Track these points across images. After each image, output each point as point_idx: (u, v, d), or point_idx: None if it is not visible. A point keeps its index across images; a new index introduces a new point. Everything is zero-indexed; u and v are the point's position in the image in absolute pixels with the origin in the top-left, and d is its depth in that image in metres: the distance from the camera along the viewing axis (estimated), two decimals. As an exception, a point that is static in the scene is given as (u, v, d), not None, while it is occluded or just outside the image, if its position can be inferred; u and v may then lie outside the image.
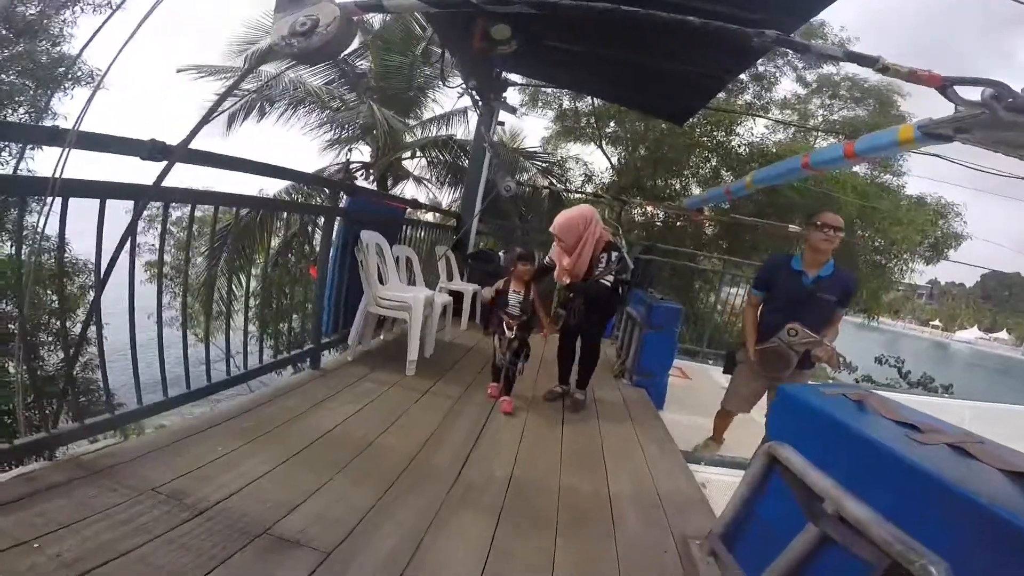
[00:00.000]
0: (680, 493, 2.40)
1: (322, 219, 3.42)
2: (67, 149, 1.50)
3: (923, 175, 13.81)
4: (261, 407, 2.46)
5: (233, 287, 6.40)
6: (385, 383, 3.09)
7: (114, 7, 7.88)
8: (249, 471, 1.87)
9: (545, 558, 1.70)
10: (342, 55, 9.49)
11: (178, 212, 4.35)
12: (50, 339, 6.84)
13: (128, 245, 1.82)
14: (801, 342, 2.91)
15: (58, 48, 7.89)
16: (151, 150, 1.72)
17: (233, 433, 2.14)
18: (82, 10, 7.91)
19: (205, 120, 1.74)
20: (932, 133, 2.26)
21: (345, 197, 3.36)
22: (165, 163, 1.73)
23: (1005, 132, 1.66)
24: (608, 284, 3.14)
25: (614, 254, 3.17)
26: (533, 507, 2.03)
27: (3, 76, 7.13)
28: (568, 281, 3.25)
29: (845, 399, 1.48)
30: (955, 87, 1.51)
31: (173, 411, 2.23)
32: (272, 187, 9.07)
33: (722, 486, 2.85)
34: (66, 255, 6.88)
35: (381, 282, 3.56)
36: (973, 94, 1.54)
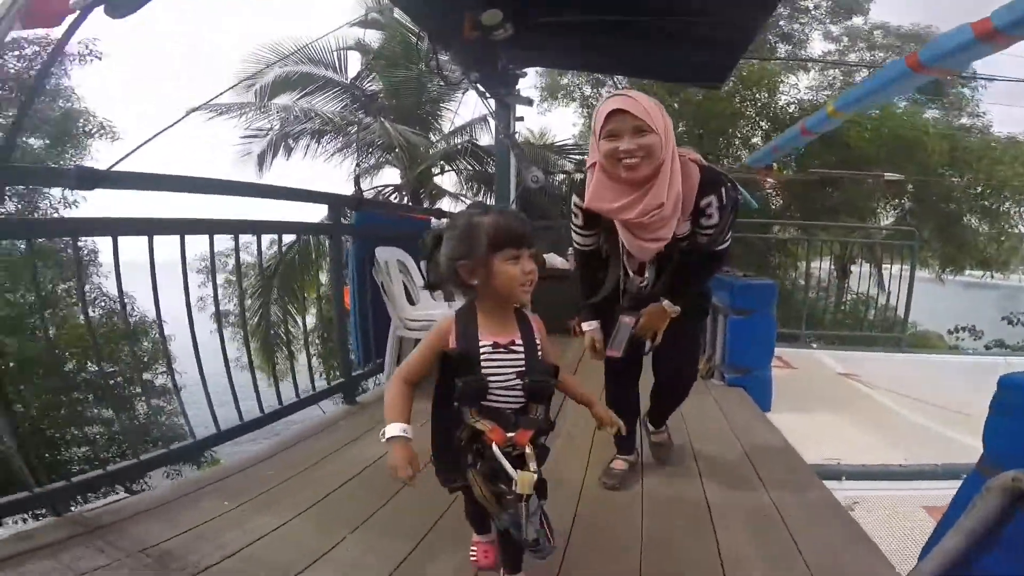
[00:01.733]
0: (824, 527, 1.74)
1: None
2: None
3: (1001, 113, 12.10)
4: (286, 451, 2.23)
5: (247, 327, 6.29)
6: (424, 415, 2.72)
7: (98, 56, 8.06)
8: (255, 528, 1.60)
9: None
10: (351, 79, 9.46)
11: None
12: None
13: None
14: None
15: (69, 103, 8.09)
16: (78, 177, 1.59)
17: (247, 484, 1.90)
18: (71, 63, 8.04)
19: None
20: None
21: (351, 212, 3.07)
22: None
23: None
24: (722, 251, 1.72)
25: (725, 193, 1.62)
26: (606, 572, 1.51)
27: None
28: (641, 260, 1.74)
29: None
30: None
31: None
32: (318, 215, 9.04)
33: (877, 505, 2.21)
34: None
35: (411, 303, 3.23)
36: None
